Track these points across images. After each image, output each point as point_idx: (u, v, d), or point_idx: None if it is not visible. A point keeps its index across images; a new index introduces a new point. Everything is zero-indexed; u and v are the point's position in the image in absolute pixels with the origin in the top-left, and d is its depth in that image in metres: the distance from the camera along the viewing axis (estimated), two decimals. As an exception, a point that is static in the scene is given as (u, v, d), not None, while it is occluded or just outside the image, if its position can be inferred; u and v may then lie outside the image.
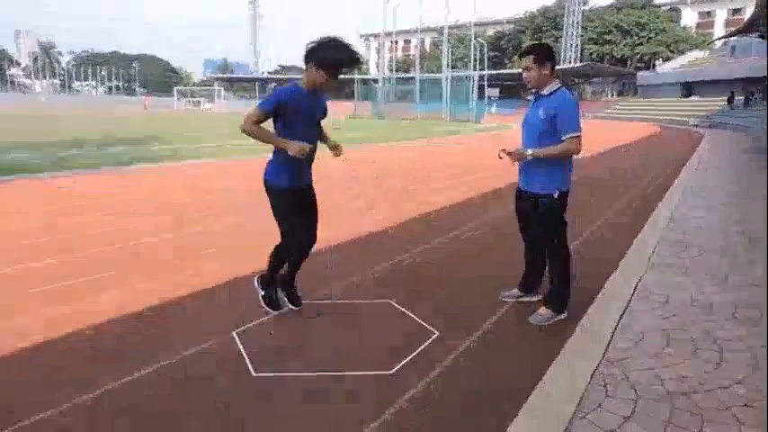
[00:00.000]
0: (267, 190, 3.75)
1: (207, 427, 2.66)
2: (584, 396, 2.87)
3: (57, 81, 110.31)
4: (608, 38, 74.66)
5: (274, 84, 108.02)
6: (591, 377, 3.07)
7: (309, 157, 3.69)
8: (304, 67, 3.53)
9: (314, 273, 4.82)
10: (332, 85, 3.55)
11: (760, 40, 36.82)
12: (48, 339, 3.53)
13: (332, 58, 3.43)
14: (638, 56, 73.30)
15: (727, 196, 9.62)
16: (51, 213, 7.39)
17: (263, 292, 4.00)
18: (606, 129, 33.52)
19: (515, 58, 65.92)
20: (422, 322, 3.93)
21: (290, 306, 4.05)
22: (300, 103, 3.54)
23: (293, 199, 3.72)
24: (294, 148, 3.43)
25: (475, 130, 34.40)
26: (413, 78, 56.48)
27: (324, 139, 4.04)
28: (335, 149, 3.98)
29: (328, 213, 7.47)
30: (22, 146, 15.65)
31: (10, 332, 3.62)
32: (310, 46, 3.49)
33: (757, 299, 4.36)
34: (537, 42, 4.28)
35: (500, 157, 3.94)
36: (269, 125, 3.60)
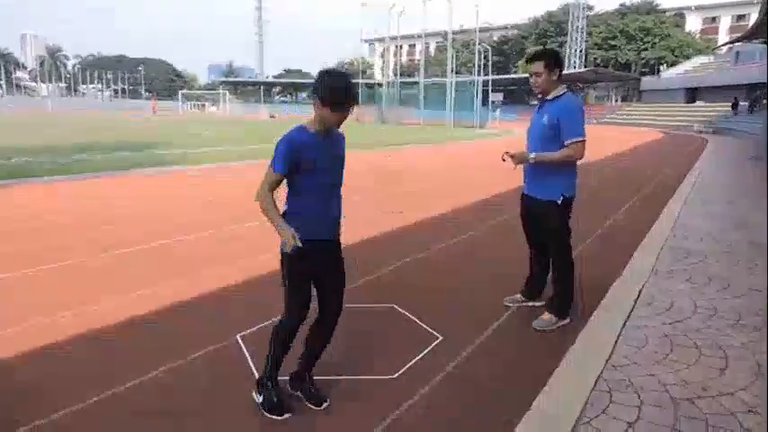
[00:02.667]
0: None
1: (210, 428, 2.66)
2: (588, 402, 2.86)
3: (62, 84, 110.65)
4: (612, 43, 74.57)
5: (279, 87, 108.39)
6: (595, 383, 3.07)
7: (330, 210, 3.13)
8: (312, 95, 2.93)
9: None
10: (340, 120, 2.95)
11: (764, 46, 36.77)
12: (49, 343, 3.54)
13: (333, 92, 2.85)
14: (643, 61, 73.20)
15: (730, 201, 9.59)
16: (53, 214, 7.42)
17: (259, 399, 2.92)
18: (603, 136, 33.46)
19: (520, 63, 65.56)
20: (425, 327, 3.93)
21: (311, 407, 2.94)
22: (313, 152, 2.91)
23: (299, 257, 2.89)
24: (283, 235, 2.83)
25: (479, 135, 34.36)
26: (417, 83, 56.51)
27: None
28: None
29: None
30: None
31: (11, 339, 3.64)
32: (315, 79, 2.94)
33: (760, 305, 4.35)
34: (545, 48, 4.26)
35: (503, 160, 3.95)
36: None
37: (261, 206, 2.89)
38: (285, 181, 2.95)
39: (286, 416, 2.84)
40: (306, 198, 2.97)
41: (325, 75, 2.90)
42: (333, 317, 3.13)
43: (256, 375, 3.17)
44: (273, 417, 2.83)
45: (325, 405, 2.92)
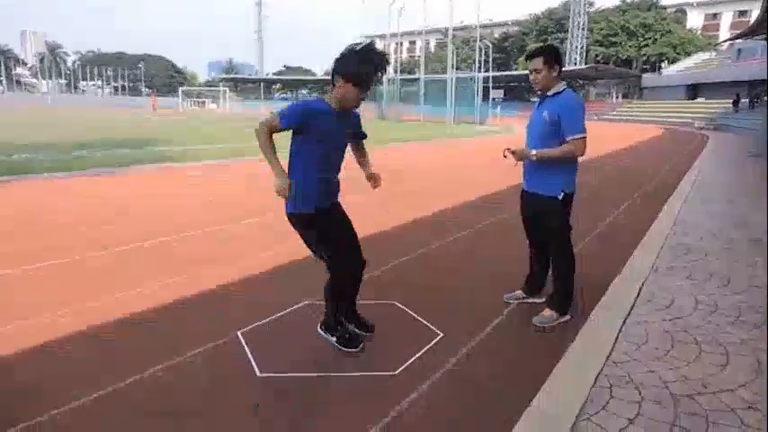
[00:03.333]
0: (294, 224, 3.28)
1: (211, 426, 2.66)
2: (589, 398, 2.87)
3: (62, 81, 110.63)
4: (613, 40, 74.47)
5: (279, 84, 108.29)
6: (595, 379, 3.07)
7: (332, 184, 3.37)
8: (331, 81, 3.08)
9: (318, 274, 4.83)
10: (361, 100, 3.09)
11: (765, 42, 36.70)
12: (48, 340, 3.54)
13: (362, 70, 2.95)
14: (644, 58, 73.12)
15: (730, 199, 9.59)
16: (53, 212, 7.42)
17: (334, 339, 3.45)
18: (603, 134, 33.43)
19: (520, 59, 65.61)
20: (426, 323, 3.93)
21: (365, 333, 3.59)
22: (326, 122, 3.06)
23: (322, 220, 3.22)
24: (277, 182, 3.03)
25: (479, 132, 34.34)
26: (417, 79, 56.45)
27: (363, 163, 3.65)
28: (373, 180, 3.62)
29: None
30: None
31: (11, 337, 3.64)
32: (336, 58, 3.03)
33: (761, 301, 4.35)
34: (545, 44, 4.26)
35: (504, 156, 3.94)
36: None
37: (259, 143, 3.04)
38: (293, 148, 3.14)
39: (360, 347, 3.39)
40: (315, 168, 3.14)
41: (353, 55, 2.94)
42: (359, 269, 3.44)
43: (257, 372, 3.18)
44: (351, 350, 3.37)
45: (372, 333, 3.55)
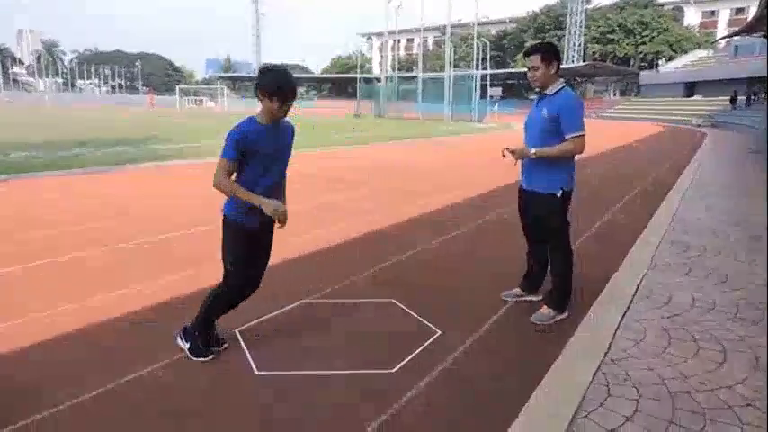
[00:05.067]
0: (224, 224, 3.31)
1: (209, 425, 2.66)
2: (586, 395, 2.87)
3: (59, 80, 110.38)
4: (611, 37, 74.44)
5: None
6: (593, 376, 3.07)
7: (277, 194, 3.31)
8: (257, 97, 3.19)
9: (316, 271, 4.83)
10: (286, 111, 3.19)
11: (762, 39, 36.74)
12: (47, 339, 3.54)
13: (279, 84, 3.11)
14: (641, 55, 73.12)
15: (729, 196, 9.60)
16: (52, 211, 7.41)
17: (188, 345, 3.37)
18: (602, 132, 33.48)
19: (518, 57, 65.67)
20: (424, 321, 3.93)
21: (213, 348, 3.42)
22: (261, 138, 3.15)
23: (248, 239, 3.28)
24: (270, 208, 3.09)
25: (477, 129, 34.35)
26: (415, 77, 56.43)
27: None
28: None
29: (328, 213, 7.43)
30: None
31: (9, 332, 3.63)
32: (256, 78, 3.20)
33: (759, 298, 4.35)
34: (543, 41, 4.25)
35: (503, 155, 3.93)
36: None
37: (224, 190, 3.13)
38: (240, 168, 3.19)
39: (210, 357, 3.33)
40: (254, 185, 3.17)
41: (269, 71, 3.17)
42: (250, 292, 3.42)
43: (255, 370, 3.18)
44: (200, 359, 3.30)
45: (225, 345, 3.46)
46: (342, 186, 9.74)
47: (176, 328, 3.52)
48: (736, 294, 4.46)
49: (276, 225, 3.31)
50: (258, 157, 3.16)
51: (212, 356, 3.35)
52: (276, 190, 3.30)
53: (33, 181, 9.99)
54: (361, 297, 4.41)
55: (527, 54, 3.93)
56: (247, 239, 3.28)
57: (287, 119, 3.32)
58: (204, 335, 3.38)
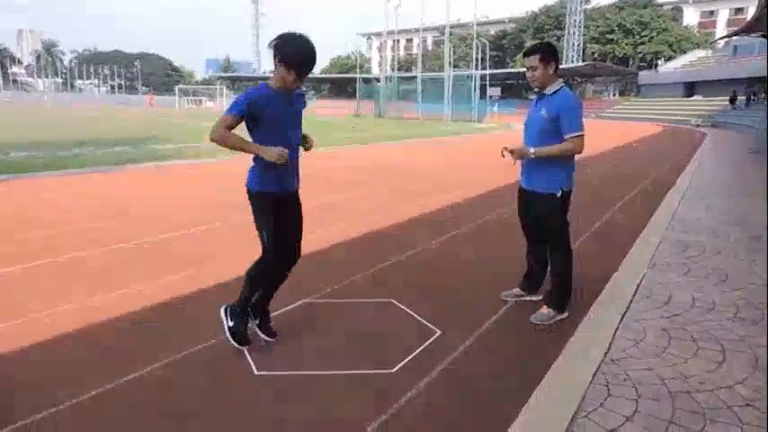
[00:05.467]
0: (249, 197, 3.37)
1: (208, 425, 2.66)
2: (586, 395, 2.87)
3: (59, 80, 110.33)
4: (610, 37, 74.46)
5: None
6: (592, 376, 3.07)
7: (293, 162, 3.33)
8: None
9: (315, 272, 4.83)
10: (299, 85, 3.21)
11: (762, 39, 36.75)
12: (47, 339, 3.54)
13: (300, 56, 3.08)
14: (641, 55, 73.13)
15: (728, 196, 9.60)
16: (52, 210, 7.40)
17: (230, 323, 3.39)
18: (602, 132, 33.48)
19: (517, 57, 65.73)
20: (423, 321, 3.93)
21: (265, 338, 3.55)
22: (273, 104, 3.14)
23: (274, 205, 3.30)
24: (272, 154, 3.04)
25: (476, 129, 34.35)
26: (415, 77, 56.42)
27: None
28: (306, 142, 3.52)
29: (328, 213, 7.42)
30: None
31: (9, 332, 3.63)
32: (274, 42, 3.13)
33: (758, 298, 4.36)
34: (541, 41, 4.27)
35: (503, 155, 3.94)
36: (240, 132, 3.20)
37: (221, 141, 3.05)
38: (252, 139, 3.18)
39: (246, 347, 3.36)
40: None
41: (293, 40, 3.08)
42: (289, 264, 3.49)
43: (255, 370, 3.18)
44: (236, 344, 3.33)
45: (275, 339, 3.51)
46: (342, 186, 9.74)
47: (175, 326, 3.52)
48: (735, 294, 4.46)
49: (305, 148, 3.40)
50: (269, 122, 3.14)
51: (247, 346, 3.38)
52: (292, 155, 3.25)
53: (33, 181, 9.99)
54: (360, 297, 4.40)
55: (525, 54, 3.95)
56: (273, 207, 3.29)
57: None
58: (246, 318, 3.43)
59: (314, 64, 3.12)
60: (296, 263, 3.51)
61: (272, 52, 3.12)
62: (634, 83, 69.85)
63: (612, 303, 4.26)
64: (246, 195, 3.38)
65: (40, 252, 5.40)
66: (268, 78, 3.27)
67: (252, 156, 3.23)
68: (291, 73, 3.07)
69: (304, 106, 3.44)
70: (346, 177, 10.95)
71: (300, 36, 3.12)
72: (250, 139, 3.20)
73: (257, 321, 3.55)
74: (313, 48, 3.11)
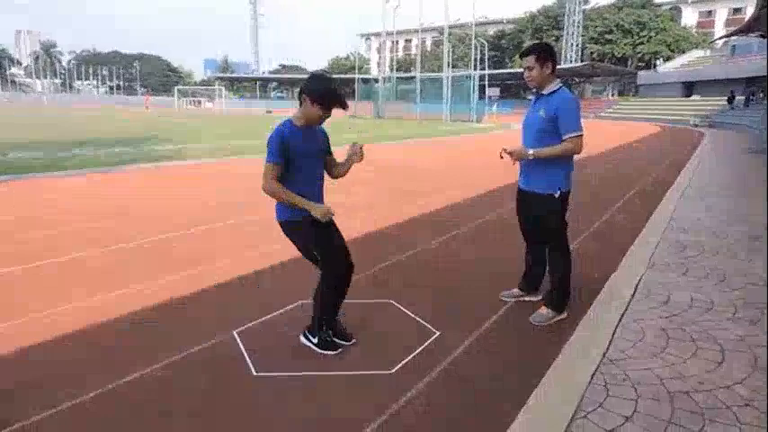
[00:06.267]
0: (284, 230, 3.46)
1: (207, 426, 2.66)
2: (585, 396, 2.87)
3: (57, 81, 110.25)
4: (609, 37, 74.49)
5: (275, 83, 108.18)
6: (591, 377, 3.07)
7: (318, 190, 3.47)
8: (298, 103, 3.36)
9: (315, 272, 4.83)
10: (323, 119, 3.35)
11: (760, 39, 36.81)
12: (47, 339, 3.54)
13: (327, 93, 3.27)
14: (639, 55, 73.21)
15: (728, 196, 9.62)
16: (51, 211, 7.40)
17: (315, 340, 3.54)
18: (601, 132, 33.48)
19: (516, 57, 65.92)
20: (422, 322, 3.93)
21: (344, 342, 3.59)
22: (298, 141, 3.29)
23: (312, 227, 3.35)
24: (320, 211, 3.24)
25: (475, 129, 34.36)
26: (413, 78, 56.45)
27: (344, 165, 3.69)
28: (356, 153, 3.63)
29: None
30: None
31: (9, 332, 3.63)
32: (304, 82, 3.35)
33: (757, 298, 4.36)
34: (538, 42, 4.28)
35: (501, 157, 3.94)
36: None
37: (274, 195, 3.26)
38: None
39: (338, 351, 3.49)
40: (297, 185, 3.31)
41: (322, 79, 3.35)
42: (348, 271, 3.56)
43: (253, 371, 3.18)
44: (329, 353, 3.46)
45: (353, 341, 3.61)
46: (341, 186, 9.72)
47: (174, 327, 3.52)
48: (734, 294, 4.47)
49: (358, 159, 3.64)
50: (296, 158, 3.28)
51: (340, 350, 3.50)
52: (317, 192, 3.46)
53: (33, 181, 9.99)
54: (360, 297, 4.41)
55: (522, 55, 3.97)
56: (311, 228, 3.36)
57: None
58: (324, 331, 3.55)
59: (337, 98, 3.29)
60: (352, 268, 3.58)
61: (298, 92, 3.35)
62: (633, 83, 69.92)
63: (611, 304, 4.27)
64: (281, 229, 3.47)
65: (40, 252, 5.41)
66: (291, 119, 3.38)
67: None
68: (317, 108, 3.24)
69: (326, 138, 3.55)
70: (346, 177, 10.91)
71: (324, 75, 3.45)
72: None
73: (331, 331, 3.61)
74: (336, 85, 3.36)
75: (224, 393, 2.96)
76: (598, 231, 6.93)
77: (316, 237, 3.41)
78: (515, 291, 4.45)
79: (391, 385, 3.06)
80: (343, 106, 3.38)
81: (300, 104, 3.33)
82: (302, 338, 3.61)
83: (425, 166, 14.48)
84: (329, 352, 3.47)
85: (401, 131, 28.90)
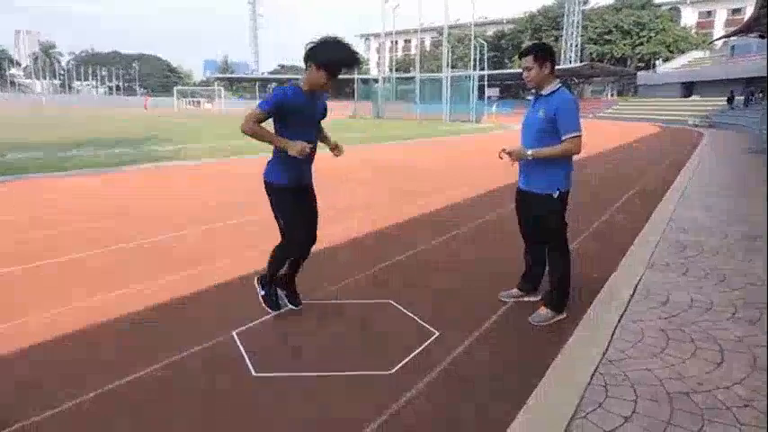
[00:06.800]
0: (267, 188, 3.74)
1: (207, 426, 2.66)
2: (584, 396, 2.87)
3: (56, 81, 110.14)
4: (608, 38, 74.53)
5: (275, 83, 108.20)
6: (591, 377, 3.07)
7: (309, 157, 3.68)
8: (304, 66, 3.52)
9: (314, 272, 4.83)
10: (331, 86, 3.54)
11: (760, 39, 36.81)
12: (47, 339, 3.54)
13: (333, 59, 3.41)
14: (638, 56, 73.23)
15: (727, 196, 9.62)
16: (50, 211, 7.40)
17: (262, 292, 3.98)
18: (600, 132, 33.47)
19: (515, 57, 66.11)
20: (422, 322, 3.93)
21: (290, 306, 4.05)
22: (300, 104, 3.52)
23: (293, 197, 3.71)
24: (295, 147, 3.41)
25: (474, 129, 34.36)
26: (413, 78, 56.45)
27: (324, 139, 4.05)
28: (336, 149, 4.01)
29: (328, 212, 7.42)
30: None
31: (9, 332, 3.63)
32: (310, 46, 3.46)
33: (757, 298, 4.37)
34: (537, 42, 4.29)
35: (500, 157, 3.94)
36: (268, 126, 3.56)
37: (251, 133, 3.43)
38: (274, 131, 3.56)
39: (279, 311, 3.94)
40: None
41: (325, 44, 3.43)
42: (308, 247, 3.91)
43: (253, 372, 3.18)
44: (269, 309, 3.92)
45: (299, 307, 4.03)
46: (341, 186, 9.74)
47: (174, 327, 3.52)
48: (734, 294, 4.47)
49: (334, 154, 3.95)
50: (293, 120, 3.51)
51: (283, 310, 3.97)
52: (308, 155, 3.60)
53: (33, 181, 9.99)
54: (359, 298, 4.41)
55: (521, 55, 3.98)
56: (292, 198, 3.70)
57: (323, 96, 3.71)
58: (279, 288, 4.00)
59: (345, 64, 3.43)
60: (313, 244, 3.92)
61: (303, 57, 3.51)
62: (632, 83, 69.96)
63: (611, 304, 4.27)
64: (264, 186, 3.74)
65: (40, 252, 5.41)
66: (294, 80, 3.63)
67: (272, 149, 3.64)
68: (321, 72, 3.41)
69: (324, 108, 3.82)
70: (346, 177, 10.95)
71: (336, 40, 3.47)
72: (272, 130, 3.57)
73: (284, 292, 4.07)
74: (347, 49, 3.45)
75: (223, 393, 2.96)
76: (598, 231, 6.93)
77: (286, 208, 3.73)
78: (515, 291, 4.45)
79: (391, 385, 3.06)
80: (353, 64, 3.48)
81: (306, 69, 3.47)
82: (255, 281, 4.05)
83: (425, 166, 14.47)
84: (269, 309, 3.91)
85: (401, 131, 28.90)
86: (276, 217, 3.82)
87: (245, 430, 2.64)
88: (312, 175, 3.90)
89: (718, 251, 5.79)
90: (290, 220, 3.75)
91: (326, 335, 3.75)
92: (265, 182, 3.73)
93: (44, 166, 11.53)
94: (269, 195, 3.75)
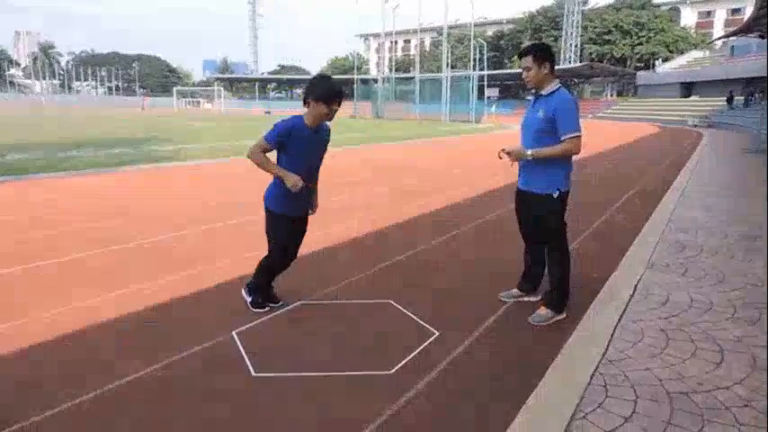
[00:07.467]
0: (266, 212, 3.96)
1: (207, 426, 2.66)
2: (584, 396, 2.87)
3: (56, 82, 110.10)
4: (607, 38, 74.54)
5: (274, 84, 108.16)
6: (590, 377, 3.08)
7: (308, 188, 3.87)
8: (304, 107, 3.78)
9: (314, 272, 4.83)
10: (332, 116, 3.76)
11: (760, 39, 36.82)
12: (47, 339, 3.54)
13: (327, 89, 3.69)
14: (638, 56, 73.25)
15: (727, 196, 9.62)
16: (50, 212, 7.40)
17: (249, 299, 4.13)
18: (600, 132, 33.44)
19: (515, 58, 66.33)
20: (422, 322, 3.93)
21: (271, 304, 4.16)
22: (304, 135, 3.75)
23: (288, 224, 3.95)
24: (290, 180, 3.67)
25: (474, 130, 34.36)
26: (412, 78, 56.46)
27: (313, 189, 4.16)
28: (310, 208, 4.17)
29: (328, 212, 7.43)
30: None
31: (9, 332, 3.63)
32: (305, 87, 3.81)
33: (756, 299, 4.37)
34: (536, 42, 4.29)
35: (500, 158, 3.94)
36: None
37: (255, 162, 3.75)
38: (277, 162, 3.80)
39: (266, 309, 4.08)
40: (288, 169, 3.74)
41: (322, 80, 3.80)
42: (288, 264, 4.14)
43: (252, 372, 3.18)
44: (259, 310, 4.05)
45: (279, 304, 4.17)
46: (341, 187, 9.74)
47: (174, 327, 3.52)
48: (733, 294, 4.47)
49: (309, 212, 4.11)
50: (295, 150, 3.74)
51: (267, 308, 4.09)
52: (307, 178, 3.82)
53: (33, 181, 9.99)
54: (359, 298, 4.41)
55: (520, 55, 3.99)
56: (286, 225, 3.93)
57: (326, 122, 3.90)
58: (262, 293, 4.14)
59: (341, 96, 3.75)
60: (293, 260, 4.14)
61: (302, 98, 3.80)
62: (632, 83, 69.95)
63: (610, 304, 4.27)
64: (264, 209, 3.95)
65: (40, 252, 5.41)
66: (303, 115, 3.82)
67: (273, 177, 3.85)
68: (322, 106, 3.67)
69: (327, 132, 3.98)
70: (346, 178, 10.96)
71: (322, 76, 3.91)
72: (275, 157, 3.82)
73: (263, 296, 4.20)
74: (338, 84, 3.82)
75: (223, 393, 2.96)
76: (598, 231, 6.94)
77: (280, 232, 3.95)
78: (514, 291, 4.46)
79: (391, 385, 3.06)
80: (341, 93, 3.78)
81: (307, 106, 3.73)
82: (243, 291, 4.20)
83: (425, 166, 14.47)
84: (259, 310, 4.06)
85: (401, 132, 28.90)
86: (266, 233, 4.01)
87: (245, 430, 2.64)
88: (313, 204, 4.13)
89: (717, 251, 5.79)
90: (280, 243, 3.98)
91: (326, 335, 3.75)
92: (265, 207, 3.96)
93: (44, 167, 11.53)
94: (266, 216, 3.98)
